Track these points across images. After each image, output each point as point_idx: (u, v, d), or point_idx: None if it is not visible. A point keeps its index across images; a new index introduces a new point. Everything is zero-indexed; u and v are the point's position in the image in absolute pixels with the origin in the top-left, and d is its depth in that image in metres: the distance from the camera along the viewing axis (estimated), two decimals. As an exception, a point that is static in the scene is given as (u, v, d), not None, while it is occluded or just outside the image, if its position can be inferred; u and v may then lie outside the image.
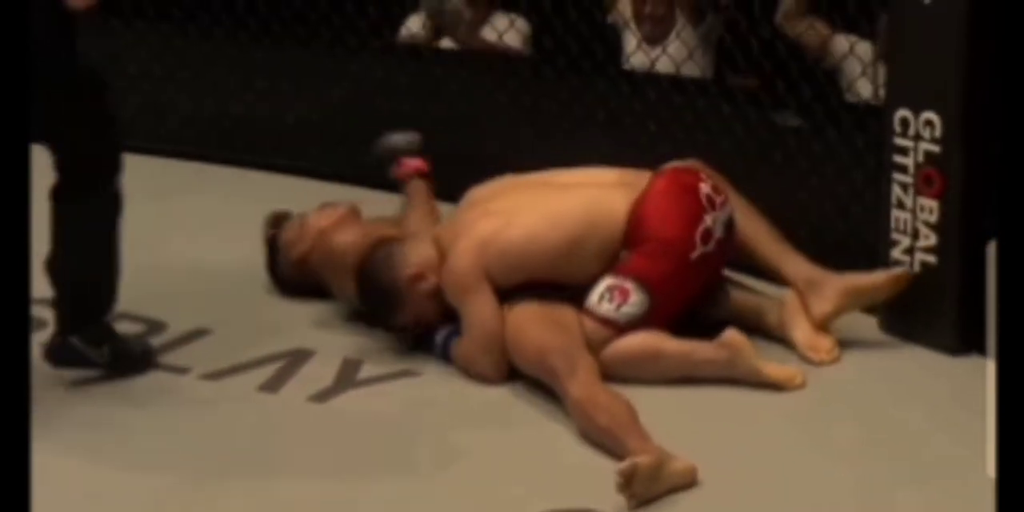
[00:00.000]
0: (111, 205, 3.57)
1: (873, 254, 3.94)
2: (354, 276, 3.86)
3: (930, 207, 3.79)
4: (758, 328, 3.84)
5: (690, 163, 3.93)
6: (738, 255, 3.91)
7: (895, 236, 3.87)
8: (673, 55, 4.72)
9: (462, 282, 3.70)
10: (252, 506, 3.13)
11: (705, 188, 3.80)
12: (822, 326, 3.82)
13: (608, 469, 3.17)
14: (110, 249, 3.61)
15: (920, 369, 3.75)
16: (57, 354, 3.68)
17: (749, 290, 3.95)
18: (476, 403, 3.63)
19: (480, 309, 3.69)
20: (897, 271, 3.83)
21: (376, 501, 3.16)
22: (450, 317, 3.79)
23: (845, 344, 3.85)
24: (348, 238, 4.00)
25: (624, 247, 3.72)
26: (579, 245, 3.71)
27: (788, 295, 3.89)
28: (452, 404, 3.63)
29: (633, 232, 3.72)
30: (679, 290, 3.74)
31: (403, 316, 3.81)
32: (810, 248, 4.16)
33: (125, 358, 3.71)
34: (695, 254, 3.74)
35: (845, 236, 4.13)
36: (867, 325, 3.96)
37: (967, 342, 3.75)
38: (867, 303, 3.88)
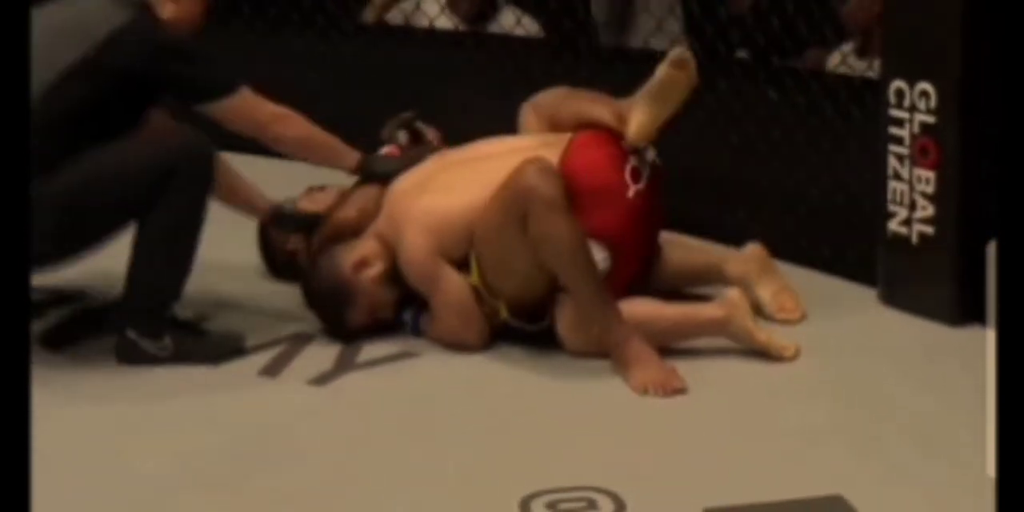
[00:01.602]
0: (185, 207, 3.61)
1: (871, 226, 3.94)
2: (303, 292, 3.89)
3: (927, 178, 3.78)
4: (719, 281, 3.85)
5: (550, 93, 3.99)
6: None
7: (892, 207, 3.86)
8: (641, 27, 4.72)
9: (424, 269, 3.72)
10: (256, 489, 3.12)
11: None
12: (644, 134, 3.74)
13: (618, 446, 3.21)
14: (179, 250, 3.64)
15: (920, 340, 3.75)
16: (119, 351, 3.70)
17: (703, 249, 3.99)
18: (476, 381, 3.63)
19: (448, 288, 3.72)
20: (671, 55, 3.72)
21: (380, 481, 3.15)
22: (405, 301, 3.81)
23: (843, 316, 3.85)
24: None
25: None
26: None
27: (751, 247, 3.92)
28: (452, 383, 3.63)
29: (566, 190, 3.66)
30: (632, 234, 3.73)
31: (358, 312, 3.81)
32: (808, 221, 4.17)
33: (191, 348, 3.71)
34: (630, 192, 3.74)
35: (843, 208, 4.12)
36: (866, 297, 3.96)
37: (966, 312, 3.74)
38: (676, 99, 3.75)
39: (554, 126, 3.92)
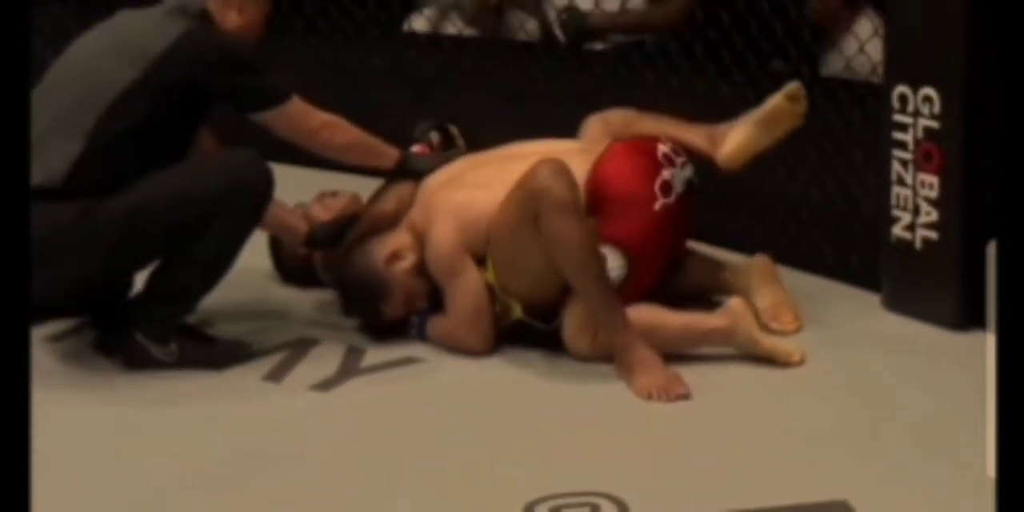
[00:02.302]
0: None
1: (875, 231, 3.94)
2: (337, 285, 3.90)
3: (930, 183, 3.78)
4: (727, 293, 3.85)
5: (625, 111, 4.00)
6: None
7: (896, 212, 3.86)
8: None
9: (447, 262, 3.74)
10: (260, 495, 3.13)
11: (663, 148, 3.84)
12: (739, 157, 3.84)
13: (622, 451, 3.22)
14: (213, 271, 3.67)
15: (923, 345, 3.75)
16: (125, 353, 3.72)
17: (715, 259, 3.99)
18: (479, 386, 3.64)
19: (466, 282, 3.72)
20: (787, 88, 3.84)
21: (383, 485, 3.15)
22: (438, 294, 3.82)
23: (847, 320, 3.85)
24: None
25: (589, 215, 3.72)
26: None
27: (757, 260, 3.92)
28: (456, 388, 3.63)
29: (594, 197, 3.73)
30: (652, 246, 3.75)
31: (393, 304, 3.82)
32: (812, 226, 4.17)
33: (197, 355, 3.72)
34: (657, 205, 3.76)
35: (847, 214, 4.12)
36: (870, 302, 3.96)
37: (970, 317, 3.74)
38: (780, 130, 3.86)
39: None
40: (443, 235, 3.74)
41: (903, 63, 3.79)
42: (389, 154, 3.93)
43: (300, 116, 3.73)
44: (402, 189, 3.99)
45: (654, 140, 3.88)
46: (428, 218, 3.81)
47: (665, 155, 3.83)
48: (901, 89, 3.78)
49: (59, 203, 3.51)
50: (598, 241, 3.64)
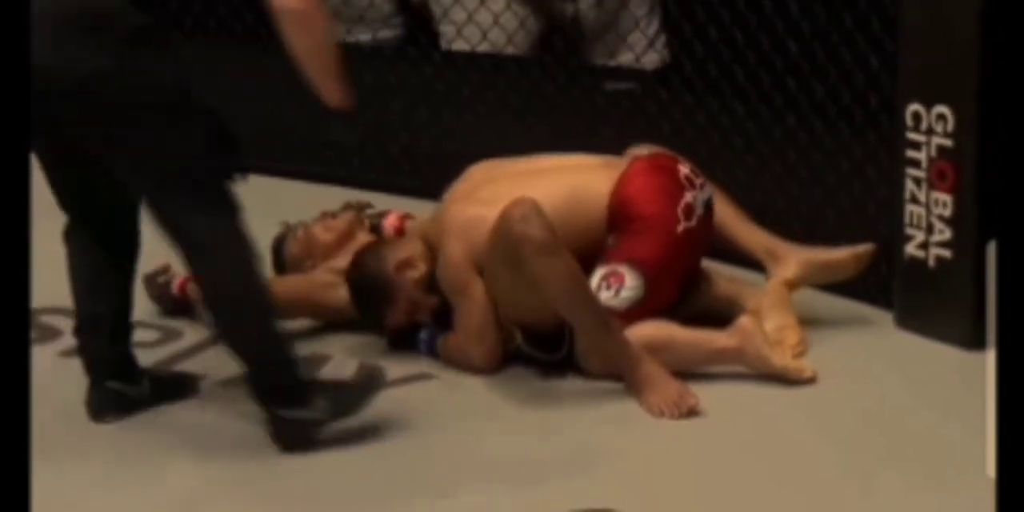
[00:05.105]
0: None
1: (888, 249, 3.93)
2: (346, 281, 3.90)
3: (944, 201, 3.77)
4: (738, 313, 3.81)
5: (656, 149, 3.98)
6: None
7: (909, 231, 3.85)
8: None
9: (457, 277, 3.73)
10: (261, 507, 3.13)
11: (683, 170, 3.85)
12: (790, 287, 3.86)
13: (633, 470, 3.23)
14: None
15: (936, 364, 3.74)
16: (278, 437, 3.36)
17: (730, 279, 3.98)
18: (490, 404, 3.64)
19: (475, 298, 3.71)
20: (860, 248, 3.87)
21: (390, 503, 3.15)
22: (442, 312, 3.82)
23: (860, 339, 3.85)
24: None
25: (609, 231, 3.73)
26: (560, 229, 3.68)
27: (770, 284, 3.91)
28: (466, 406, 3.63)
29: (616, 214, 3.75)
30: (671, 267, 3.75)
31: (396, 311, 3.84)
32: (825, 244, 4.16)
33: (344, 400, 3.40)
34: (679, 228, 3.76)
35: (860, 232, 4.10)
36: (883, 320, 3.95)
37: (983, 337, 3.72)
38: (829, 279, 3.91)
39: None
40: (453, 251, 3.74)
41: (916, 81, 3.78)
42: (337, 95, 3.35)
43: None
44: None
45: (675, 160, 3.88)
46: (441, 232, 3.81)
47: (686, 176, 3.83)
48: (915, 107, 3.78)
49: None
50: (610, 260, 3.67)
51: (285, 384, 3.34)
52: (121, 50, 3.13)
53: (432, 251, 3.83)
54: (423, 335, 3.87)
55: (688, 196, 3.80)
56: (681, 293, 3.84)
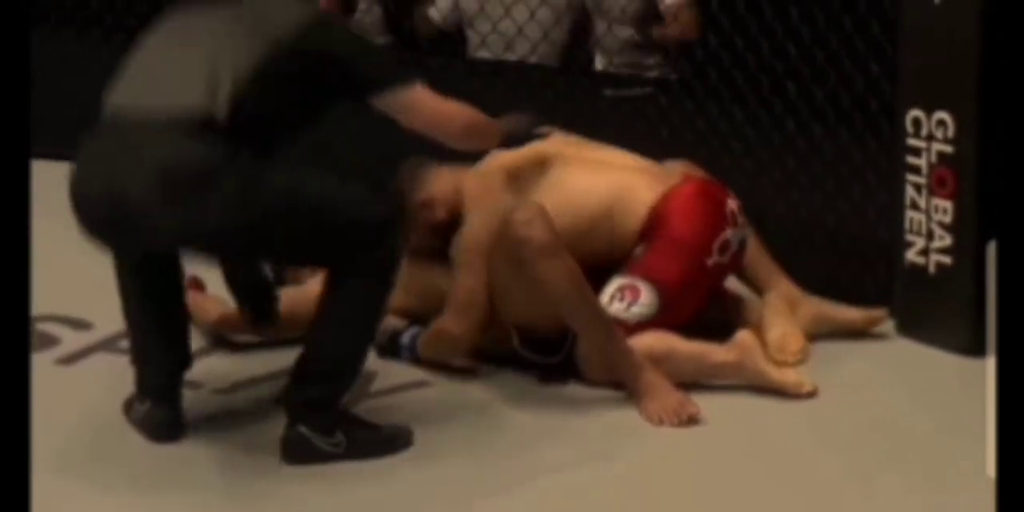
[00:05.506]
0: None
1: (888, 255, 3.92)
2: None
3: (944, 208, 3.76)
4: (740, 326, 3.81)
5: (680, 163, 3.95)
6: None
7: (910, 237, 3.85)
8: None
9: (466, 255, 3.69)
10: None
11: (732, 204, 3.82)
12: (784, 304, 3.85)
13: (633, 478, 3.22)
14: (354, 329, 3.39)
15: (937, 371, 3.73)
16: (288, 447, 3.34)
17: (731, 291, 3.96)
18: (487, 410, 3.62)
19: (475, 278, 3.67)
20: (874, 313, 3.88)
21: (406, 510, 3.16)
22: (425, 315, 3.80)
23: (860, 346, 3.84)
24: None
25: (640, 240, 3.72)
26: (591, 230, 3.69)
27: (772, 295, 3.89)
28: (463, 411, 3.61)
29: (653, 226, 3.73)
30: (690, 295, 3.73)
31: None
32: (825, 251, 4.16)
33: (364, 444, 3.37)
34: (711, 261, 3.74)
35: (860, 238, 4.11)
36: (883, 327, 3.94)
37: (984, 343, 3.72)
38: (835, 332, 3.89)
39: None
40: (478, 230, 3.70)
41: (917, 87, 3.78)
42: (494, 132, 3.56)
43: (426, 100, 3.39)
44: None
45: (726, 193, 3.85)
46: (476, 198, 3.79)
47: (732, 212, 3.81)
48: (915, 113, 3.77)
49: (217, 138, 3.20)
50: (632, 272, 3.67)
51: (320, 406, 3.34)
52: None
53: (458, 206, 3.79)
54: (405, 338, 3.83)
55: (728, 232, 3.77)
56: (693, 319, 3.79)
